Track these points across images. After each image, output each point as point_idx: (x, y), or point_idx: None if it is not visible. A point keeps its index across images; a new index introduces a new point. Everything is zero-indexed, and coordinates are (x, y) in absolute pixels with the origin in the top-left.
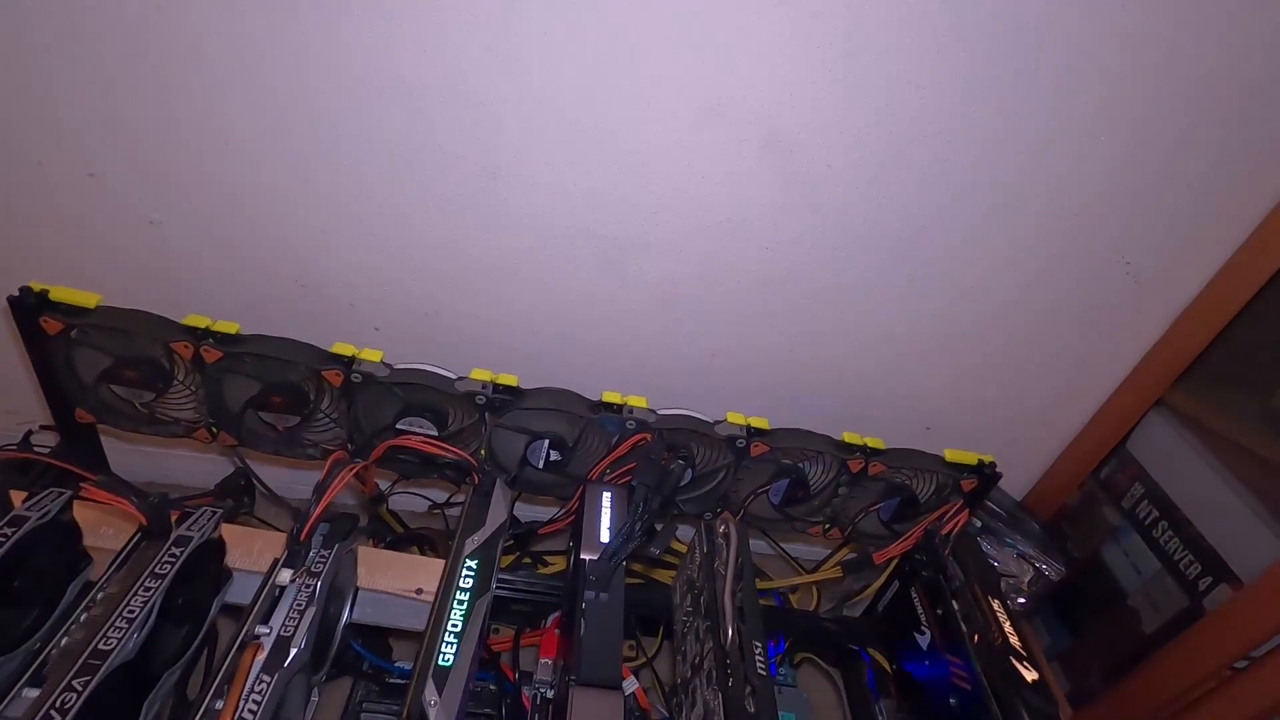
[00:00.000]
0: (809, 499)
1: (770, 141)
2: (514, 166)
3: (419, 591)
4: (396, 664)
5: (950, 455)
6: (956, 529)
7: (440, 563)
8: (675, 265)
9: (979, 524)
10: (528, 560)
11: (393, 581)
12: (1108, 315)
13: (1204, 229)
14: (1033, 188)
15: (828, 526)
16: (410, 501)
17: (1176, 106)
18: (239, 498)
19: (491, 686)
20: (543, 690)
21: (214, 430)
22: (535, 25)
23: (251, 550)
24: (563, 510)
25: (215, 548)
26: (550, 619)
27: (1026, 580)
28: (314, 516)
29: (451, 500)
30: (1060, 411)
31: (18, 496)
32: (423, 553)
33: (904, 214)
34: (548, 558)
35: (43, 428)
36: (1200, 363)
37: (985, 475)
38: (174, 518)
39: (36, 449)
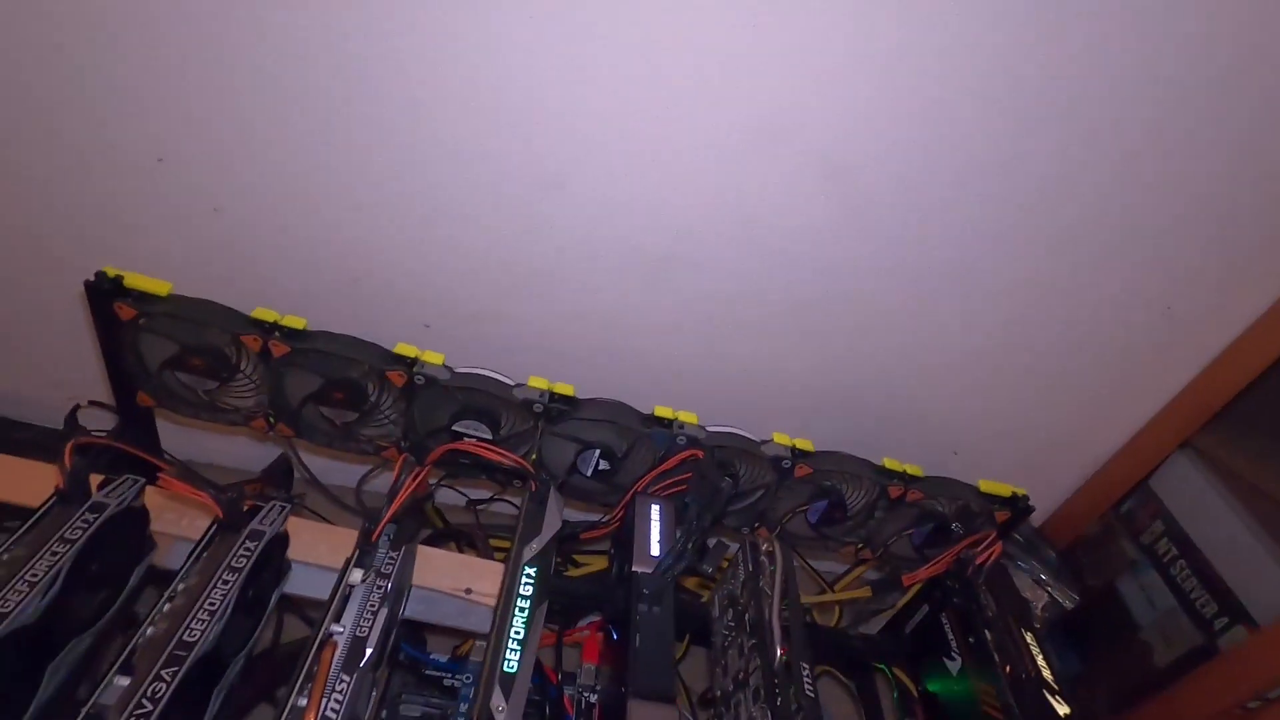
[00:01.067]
0: (845, 520)
1: (828, 168)
2: (572, 179)
3: (468, 591)
4: (431, 656)
5: (985, 486)
6: (991, 559)
7: (488, 563)
8: (723, 283)
9: None
10: (558, 560)
11: (442, 579)
12: (1142, 356)
13: (1244, 282)
14: (1086, 231)
15: (860, 547)
16: (447, 496)
17: (1229, 164)
18: (282, 482)
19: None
20: (585, 694)
21: (271, 420)
22: (605, 49)
23: (304, 540)
24: (609, 517)
25: (280, 541)
26: (588, 621)
27: (1040, 606)
28: (385, 518)
29: (494, 498)
30: (1087, 444)
31: (93, 480)
32: (460, 549)
33: (957, 246)
34: (579, 558)
35: (91, 403)
36: (1230, 408)
37: (1018, 508)
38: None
39: (97, 433)
